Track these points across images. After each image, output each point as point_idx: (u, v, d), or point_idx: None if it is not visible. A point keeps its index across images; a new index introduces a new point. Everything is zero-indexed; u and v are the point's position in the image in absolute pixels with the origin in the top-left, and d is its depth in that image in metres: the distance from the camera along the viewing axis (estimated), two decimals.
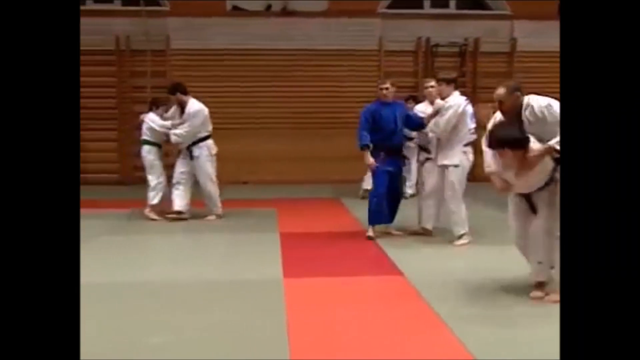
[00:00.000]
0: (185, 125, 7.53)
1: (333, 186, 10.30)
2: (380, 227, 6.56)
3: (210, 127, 7.75)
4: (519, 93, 4.26)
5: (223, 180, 10.78)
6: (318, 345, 3.54)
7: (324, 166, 11.15)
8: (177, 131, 7.56)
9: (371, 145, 6.27)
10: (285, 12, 11.45)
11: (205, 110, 7.65)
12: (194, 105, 7.59)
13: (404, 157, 6.81)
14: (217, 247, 6.29)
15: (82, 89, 11.41)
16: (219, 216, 7.74)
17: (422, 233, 6.56)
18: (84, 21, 10.98)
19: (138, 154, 8.25)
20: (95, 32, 11.06)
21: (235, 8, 11.52)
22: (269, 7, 11.50)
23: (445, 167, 6.13)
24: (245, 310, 4.18)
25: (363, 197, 6.39)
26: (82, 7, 11.30)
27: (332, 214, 8.12)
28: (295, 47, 11.33)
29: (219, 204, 7.79)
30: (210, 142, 7.73)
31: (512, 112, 4.22)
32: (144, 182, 11.01)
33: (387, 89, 6.47)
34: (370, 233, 6.43)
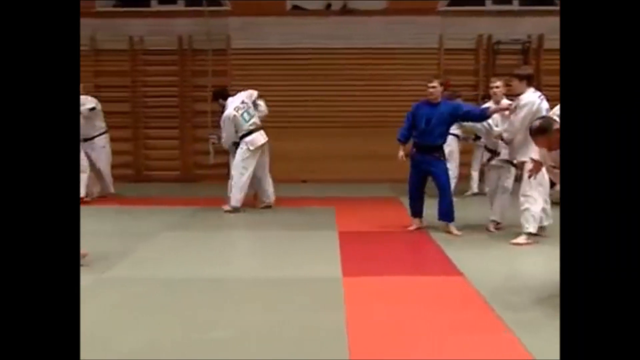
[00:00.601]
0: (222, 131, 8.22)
1: (392, 185, 10.23)
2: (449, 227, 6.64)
3: (245, 127, 8.07)
4: (554, 125, 3.97)
5: (282, 179, 10.89)
6: (377, 345, 3.53)
7: (383, 165, 11.06)
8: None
9: (405, 141, 6.83)
10: (345, 11, 11.43)
11: (231, 115, 8.00)
12: (225, 113, 8.08)
13: (438, 157, 6.68)
14: (277, 244, 6.34)
15: (146, 88, 11.72)
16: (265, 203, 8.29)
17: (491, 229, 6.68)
18: (149, 22, 11.35)
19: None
20: (160, 32, 11.35)
21: (295, 7, 11.57)
22: (328, 6, 11.50)
23: (522, 163, 6.01)
24: (305, 307, 4.20)
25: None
26: (147, 9, 11.61)
27: (391, 213, 8.07)
28: (354, 45, 11.30)
29: (270, 195, 8.33)
30: (250, 138, 8.07)
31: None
32: (203, 179, 11.29)
33: (434, 87, 6.64)
34: (411, 227, 6.85)
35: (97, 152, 9.19)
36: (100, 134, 9.31)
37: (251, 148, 8.01)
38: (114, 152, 11.38)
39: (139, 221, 7.64)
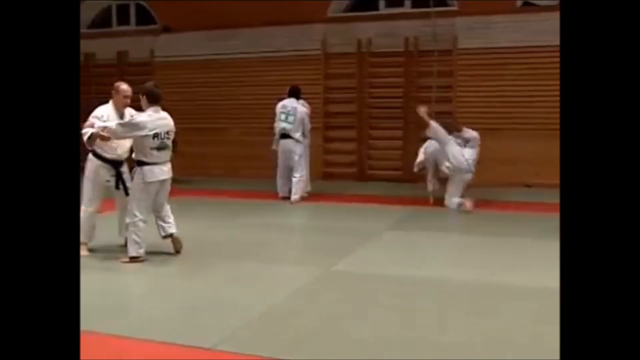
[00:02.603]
0: None
1: None
2: None
3: None
4: None
5: (504, 182, 10.60)
6: None
7: None
8: None
9: None
10: None
11: None
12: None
13: None
14: (501, 250, 6.22)
15: (372, 90, 12.07)
16: None
17: None
18: (377, 25, 11.75)
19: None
20: (387, 34, 11.69)
21: (526, 4, 11.20)
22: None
23: None
24: (531, 316, 4.12)
25: None
26: (375, 12, 12.01)
27: None
28: None
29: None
30: None
31: None
32: (424, 180, 11.34)
33: None
34: None
35: None
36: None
37: None
38: (340, 152, 12.02)
39: (364, 219, 7.92)
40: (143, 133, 5.45)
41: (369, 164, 12.00)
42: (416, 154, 11.46)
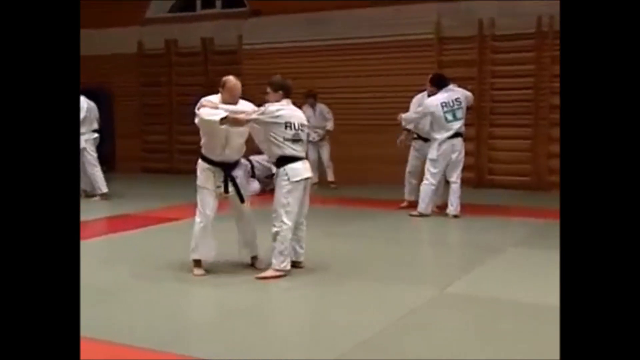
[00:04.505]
0: None
1: None
2: None
3: None
4: None
5: None
6: None
7: None
8: None
9: None
10: None
11: None
12: None
13: None
14: None
15: (494, 80, 11.39)
16: None
17: None
18: (502, 3, 11.05)
19: None
20: (514, 13, 10.87)
21: None
22: None
23: None
24: None
25: None
26: None
27: None
28: None
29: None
30: None
31: None
32: (558, 187, 10.56)
33: None
34: None
35: None
36: None
37: None
38: None
39: (484, 232, 7.61)
40: (276, 121, 5.40)
41: (489, 167, 11.33)
42: (550, 156, 10.85)
